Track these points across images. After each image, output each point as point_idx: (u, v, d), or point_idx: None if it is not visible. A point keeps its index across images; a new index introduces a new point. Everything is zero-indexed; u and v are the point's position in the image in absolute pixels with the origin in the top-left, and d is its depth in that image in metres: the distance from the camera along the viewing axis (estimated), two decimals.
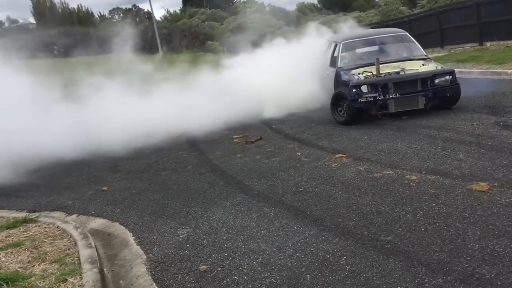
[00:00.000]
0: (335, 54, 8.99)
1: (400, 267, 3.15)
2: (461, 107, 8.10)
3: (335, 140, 7.19)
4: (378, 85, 7.60)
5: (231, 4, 56.10)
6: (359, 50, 9.13)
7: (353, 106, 7.74)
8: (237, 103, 10.35)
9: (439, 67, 8.02)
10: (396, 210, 4.11)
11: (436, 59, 16.57)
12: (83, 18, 55.56)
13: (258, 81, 10.85)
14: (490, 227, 3.52)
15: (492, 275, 2.89)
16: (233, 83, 11.25)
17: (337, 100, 8.17)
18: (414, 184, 4.71)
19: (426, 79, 7.61)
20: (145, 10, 65.95)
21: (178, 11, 61.02)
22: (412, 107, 7.77)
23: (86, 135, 8.96)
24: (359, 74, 8.19)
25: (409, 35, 9.13)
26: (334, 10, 63.06)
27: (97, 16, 60.56)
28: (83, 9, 59.97)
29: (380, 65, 8.26)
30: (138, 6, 71.46)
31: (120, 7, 69.77)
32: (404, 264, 3.18)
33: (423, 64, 8.25)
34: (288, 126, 9.01)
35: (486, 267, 3.00)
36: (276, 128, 9.05)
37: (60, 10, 54.89)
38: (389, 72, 8.11)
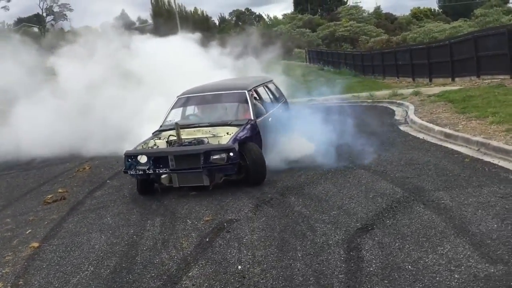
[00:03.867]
0: (168, 109, 8.22)
1: None
2: (264, 185, 6.89)
3: (89, 216, 6.56)
4: (150, 157, 6.79)
5: (336, 9, 54.54)
6: (188, 108, 8.28)
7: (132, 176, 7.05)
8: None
9: (225, 142, 6.80)
10: None
11: (439, 95, 14.11)
12: (199, 21, 58.67)
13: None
14: None
15: None
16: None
17: None
18: None
19: (203, 155, 6.61)
20: (257, 13, 67.11)
21: (280, 16, 61.17)
22: (197, 183, 6.82)
23: None
24: (160, 139, 7.42)
25: (248, 95, 7.76)
26: (453, 17, 57.75)
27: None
28: (199, 12, 63.17)
29: (193, 129, 7.48)
30: (250, 9, 72.89)
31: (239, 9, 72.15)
32: None
33: (227, 133, 7.13)
34: (121, 181, 8.46)
35: None
36: (109, 184, 8.50)
37: (177, 13, 58.57)
38: (195, 138, 7.22)
